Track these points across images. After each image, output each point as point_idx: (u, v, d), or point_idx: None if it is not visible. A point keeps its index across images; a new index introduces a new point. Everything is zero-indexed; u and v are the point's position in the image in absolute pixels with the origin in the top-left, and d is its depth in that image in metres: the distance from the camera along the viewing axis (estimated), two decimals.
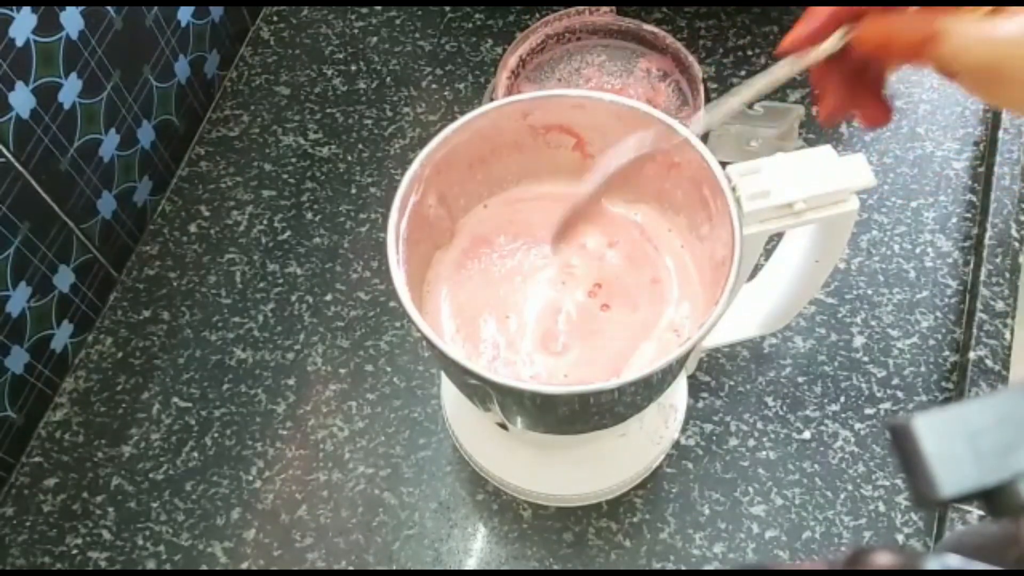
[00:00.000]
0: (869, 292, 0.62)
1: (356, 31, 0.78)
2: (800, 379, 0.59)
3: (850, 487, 0.56)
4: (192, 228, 0.68)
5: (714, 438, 0.58)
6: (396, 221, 0.42)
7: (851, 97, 0.39)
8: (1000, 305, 0.59)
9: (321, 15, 0.79)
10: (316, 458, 0.58)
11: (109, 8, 0.60)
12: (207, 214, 0.69)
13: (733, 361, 0.60)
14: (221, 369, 0.62)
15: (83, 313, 0.64)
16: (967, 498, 0.22)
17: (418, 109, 0.73)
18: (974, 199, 0.66)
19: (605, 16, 0.62)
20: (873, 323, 0.61)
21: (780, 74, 0.39)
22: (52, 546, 0.56)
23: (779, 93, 0.70)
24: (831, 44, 0.37)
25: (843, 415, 0.58)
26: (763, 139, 0.66)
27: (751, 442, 0.57)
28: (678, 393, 0.56)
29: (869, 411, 0.58)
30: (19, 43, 0.53)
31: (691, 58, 0.60)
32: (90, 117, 0.60)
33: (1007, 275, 0.61)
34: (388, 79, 0.75)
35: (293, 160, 0.71)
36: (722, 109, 0.40)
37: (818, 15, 0.37)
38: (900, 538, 0.54)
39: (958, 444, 0.22)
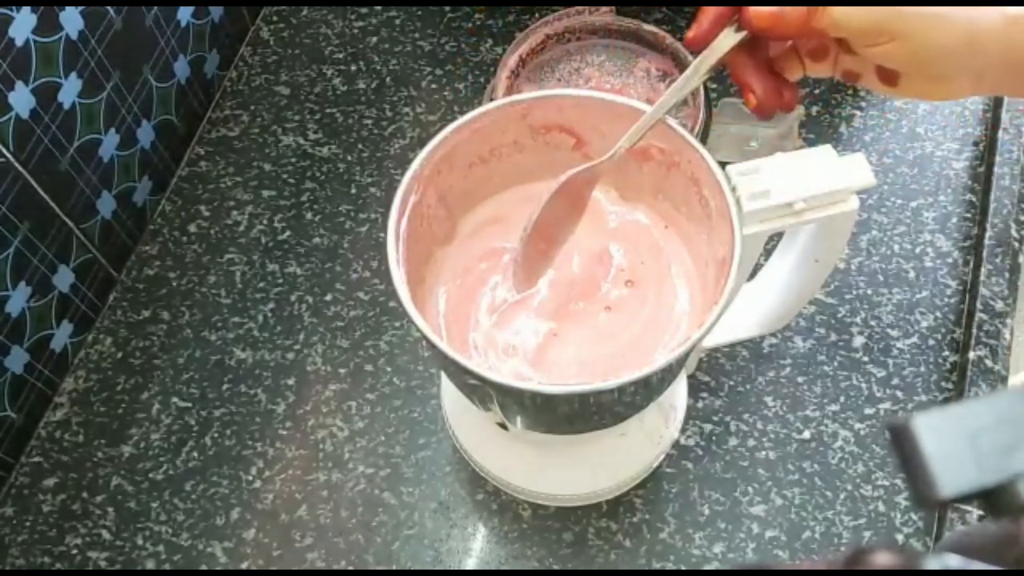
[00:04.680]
0: (869, 292, 0.62)
1: (356, 31, 0.78)
2: (800, 379, 0.59)
3: (850, 487, 0.56)
4: (192, 228, 0.68)
5: (714, 438, 0.58)
6: (396, 221, 0.42)
7: (772, 87, 0.42)
8: (1000, 305, 0.59)
9: (321, 15, 0.79)
10: (316, 458, 0.58)
11: (109, 8, 0.60)
12: (207, 214, 0.69)
13: (733, 361, 0.60)
14: (221, 369, 0.62)
15: (83, 313, 0.64)
16: (967, 498, 0.22)
17: (418, 109, 0.73)
18: (974, 199, 0.66)
19: (605, 16, 0.62)
20: (873, 323, 0.61)
21: (694, 77, 0.42)
22: (52, 546, 0.56)
23: None
24: (728, 40, 0.40)
25: (843, 415, 0.58)
26: (763, 139, 0.66)
27: (751, 442, 0.57)
28: (678, 393, 0.56)
29: (869, 411, 0.58)
30: (19, 43, 0.53)
31: (691, 58, 0.60)
32: (90, 117, 0.60)
33: (1007, 275, 0.61)
34: (388, 79, 0.75)
35: (293, 160, 0.71)
36: (644, 122, 0.42)
37: (707, 13, 0.41)
38: (900, 538, 0.54)
39: (958, 444, 0.22)
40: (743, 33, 0.41)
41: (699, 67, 0.42)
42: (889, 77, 0.42)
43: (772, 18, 0.39)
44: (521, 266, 0.45)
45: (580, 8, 0.62)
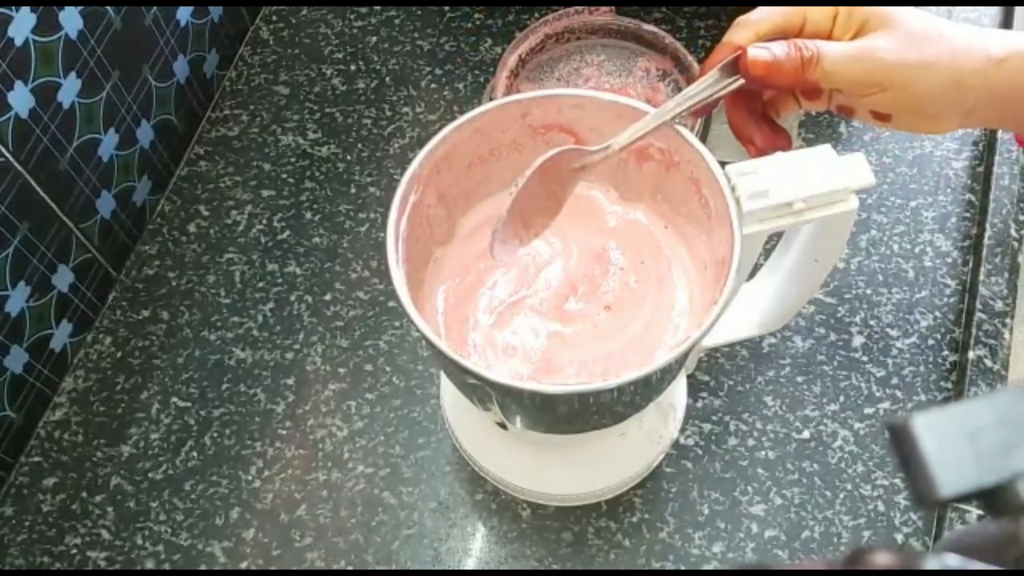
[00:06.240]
0: (868, 292, 0.62)
1: (355, 31, 0.78)
2: (799, 379, 0.59)
3: (849, 487, 0.56)
4: (191, 228, 0.68)
5: (713, 437, 0.58)
6: (395, 220, 0.42)
7: (770, 136, 0.45)
8: (999, 305, 0.59)
9: (320, 15, 0.79)
10: (315, 458, 0.58)
11: (108, 8, 0.60)
12: (206, 214, 0.69)
13: (732, 361, 0.60)
14: (220, 369, 0.62)
15: (82, 313, 0.64)
16: (966, 498, 0.22)
17: (417, 109, 0.73)
18: (973, 199, 0.66)
19: (604, 16, 0.62)
20: (872, 323, 0.61)
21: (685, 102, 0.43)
22: (51, 546, 0.56)
23: None
24: (721, 85, 0.43)
25: (842, 415, 0.58)
26: None
27: (750, 442, 0.57)
28: (677, 393, 0.56)
29: (868, 411, 0.58)
30: (18, 43, 0.53)
31: (690, 58, 0.60)
32: (89, 117, 0.60)
33: (1006, 275, 0.61)
34: (387, 79, 0.75)
35: (292, 160, 0.71)
36: (636, 126, 0.43)
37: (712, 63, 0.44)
38: (899, 538, 0.54)
39: (957, 444, 0.22)
40: (739, 80, 0.43)
41: (693, 93, 0.43)
42: (882, 116, 0.44)
43: (767, 68, 0.42)
44: (498, 234, 0.43)
45: (580, 8, 0.62)
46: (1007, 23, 0.73)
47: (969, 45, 0.42)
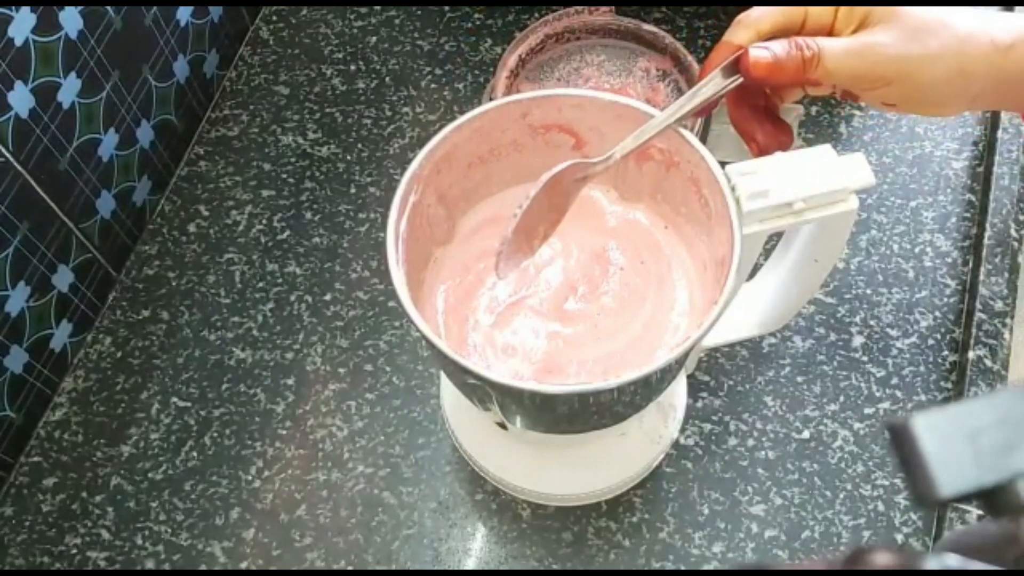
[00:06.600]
0: (868, 292, 0.62)
1: (355, 31, 0.78)
2: (799, 379, 0.59)
3: (849, 487, 0.56)
4: (191, 228, 0.68)
5: (713, 438, 0.58)
6: (395, 220, 0.42)
7: (772, 133, 0.46)
8: (999, 305, 0.59)
9: (320, 15, 0.79)
10: (315, 458, 0.58)
11: (108, 8, 0.60)
12: (206, 214, 0.69)
13: (732, 361, 0.60)
14: (220, 369, 0.62)
15: (82, 313, 0.64)
16: (966, 498, 0.22)
17: (417, 109, 0.73)
18: (973, 199, 0.66)
19: (604, 16, 0.62)
20: (872, 323, 0.61)
21: (688, 104, 0.43)
22: (51, 546, 0.56)
23: None
24: (719, 83, 0.43)
25: (842, 415, 0.58)
26: None
27: (750, 442, 0.57)
28: (677, 393, 0.56)
29: (868, 411, 0.58)
30: (18, 43, 0.53)
31: (690, 58, 0.60)
32: (89, 117, 0.60)
33: (1006, 275, 0.61)
34: (387, 79, 0.75)
35: (292, 160, 0.71)
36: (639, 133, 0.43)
37: (712, 63, 0.44)
38: (899, 538, 0.54)
39: (957, 444, 0.22)
40: (740, 79, 0.43)
41: (695, 95, 0.43)
42: (888, 103, 0.44)
43: (769, 69, 0.42)
44: (503, 254, 0.43)
45: (580, 8, 0.62)
46: None
47: (974, 32, 0.41)
